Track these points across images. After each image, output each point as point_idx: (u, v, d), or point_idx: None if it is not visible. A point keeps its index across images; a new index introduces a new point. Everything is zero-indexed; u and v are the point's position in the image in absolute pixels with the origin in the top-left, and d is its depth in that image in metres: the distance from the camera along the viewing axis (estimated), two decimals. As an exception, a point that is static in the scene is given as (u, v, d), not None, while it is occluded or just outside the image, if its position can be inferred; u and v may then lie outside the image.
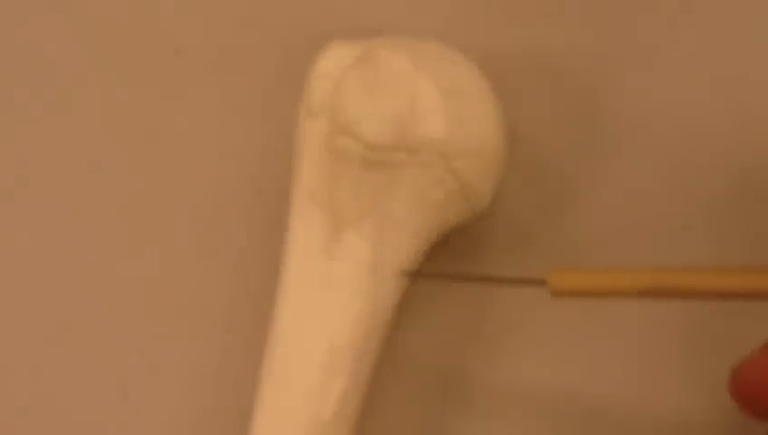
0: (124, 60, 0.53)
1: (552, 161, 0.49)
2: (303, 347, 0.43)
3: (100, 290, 0.50)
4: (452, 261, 0.47)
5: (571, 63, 0.50)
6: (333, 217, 0.44)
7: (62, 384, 0.48)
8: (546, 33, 0.50)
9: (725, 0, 0.49)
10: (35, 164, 0.52)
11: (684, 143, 0.48)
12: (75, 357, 0.49)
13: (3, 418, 0.48)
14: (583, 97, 0.49)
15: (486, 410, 0.46)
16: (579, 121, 0.49)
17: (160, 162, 0.52)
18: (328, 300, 0.43)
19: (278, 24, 0.53)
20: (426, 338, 0.47)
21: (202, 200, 0.51)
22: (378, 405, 0.45)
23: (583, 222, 0.47)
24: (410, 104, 0.43)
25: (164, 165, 0.51)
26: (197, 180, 0.51)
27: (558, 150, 0.49)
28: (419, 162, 0.43)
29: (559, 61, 0.50)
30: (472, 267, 0.47)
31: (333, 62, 0.44)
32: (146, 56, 0.53)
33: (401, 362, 0.46)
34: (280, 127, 0.50)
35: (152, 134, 0.52)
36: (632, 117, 0.49)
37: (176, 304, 0.49)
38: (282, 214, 0.47)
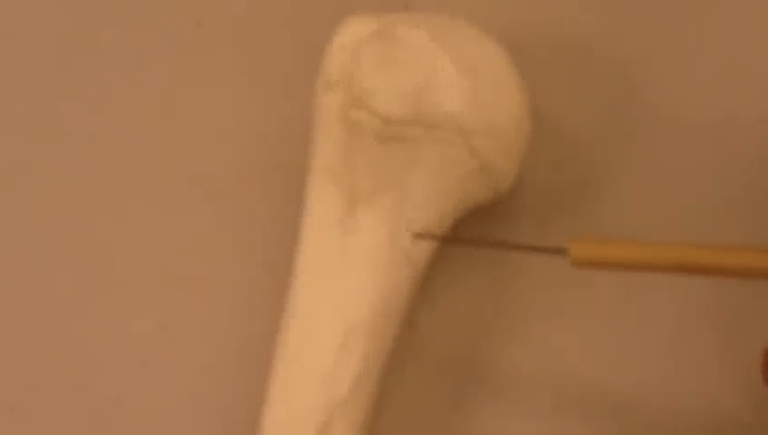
0: (145, 32, 0.53)
1: (577, 141, 0.48)
2: (319, 325, 0.42)
3: (119, 263, 0.50)
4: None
5: (598, 42, 0.49)
6: (349, 192, 0.43)
7: (82, 355, 0.48)
8: (572, 10, 0.50)
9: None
10: (58, 137, 0.52)
11: (713, 124, 0.48)
12: (95, 328, 0.49)
13: (23, 385, 0.48)
14: (610, 76, 0.49)
15: (504, 393, 0.45)
16: (605, 100, 0.49)
17: (179, 134, 0.51)
18: (343, 276, 0.42)
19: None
20: (444, 320, 0.46)
21: (220, 173, 0.50)
22: (392, 388, 0.45)
23: (608, 203, 0.47)
24: (427, 79, 0.42)
25: (183, 137, 0.51)
26: (216, 153, 0.51)
27: (583, 130, 0.48)
28: (437, 138, 0.42)
29: (585, 39, 0.49)
30: (493, 248, 0.47)
31: (351, 35, 0.44)
32: (167, 28, 0.53)
33: (417, 344, 0.46)
34: (299, 100, 0.50)
35: (171, 107, 0.52)
36: (660, 96, 0.48)
37: (193, 276, 0.49)
38: (301, 188, 0.46)
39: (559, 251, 0.40)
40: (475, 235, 0.46)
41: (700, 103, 0.48)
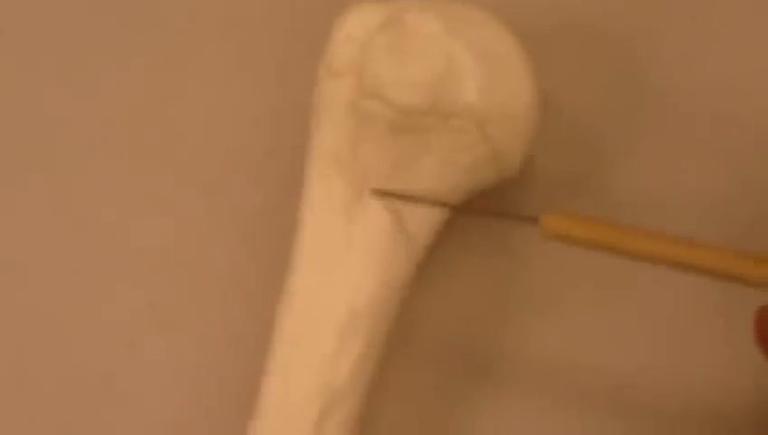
0: (137, 20, 0.53)
1: (584, 126, 0.48)
2: (320, 310, 0.42)
3: (108, 243, 0.49)
4: (477, 225, 0.47)
5: (606, 27, 0.49)
6: (356, 181, 0.43)
7: (70, 334, 0.48)
8: None
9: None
10: (47, 120, 0.52)
11: (723, 109, 0.48)
12: (82, 307, 0.49)
13: (10, 365, 0.48)
14: (618, 61, 0.49)
15: (503, 383, 0.45)
16: (613, 86, 0.49)
17: (169, 120, 0.51)
18: (347, 263, 0.42)
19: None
20: (442, 307, 0.47)
21: (211, 157, 0.50)
22: (389, 375, 0.45)
23: (614, 188, 0.47)
24: (443, 68, 0.42)
25: (173, 123, 0.51)
26: (207, 138, 0.51)
27: (590, 115, 0.48)
28: (451, 127, 0.42)
29: (593, 24, 0.49)
30: (497, 230, 0.47)
31: (358, 22, 0.44)
32: (157, 16, 0.53)
33: (415, 330, 0.46)
34: (290, 87, 0.50)
35: (161, 94, 0.52)
36: (669, 81, 0.48)
37: (182, 257, 0.49)
38: (292, 174, 0.46)
39: (530, 220, 0.40)
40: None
41: (709, 86, 0.48)
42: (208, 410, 0.46)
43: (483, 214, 0.46)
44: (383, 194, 0.43)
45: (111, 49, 0.53)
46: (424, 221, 0.44)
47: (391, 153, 0.43)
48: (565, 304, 0.46)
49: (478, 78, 0.42)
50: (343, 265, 0.43)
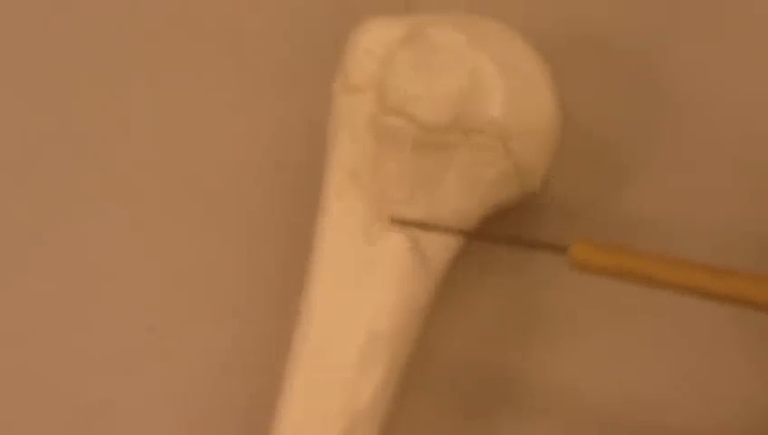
0: (140, 33, 0.53)
1: (603, 140, 0.48)
2: (341, 333, 0.42)
3: (108, 266, 0.49)
4: (495, 249, 0.46)
5: (624, 40, 0.49)
6: (377, 199, 0.42)
7: (70, 358, 0.47)
8: (597, 7, 0.50)
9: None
10: (50, 136, 0.51)
11: (743, 124, 0.48)
12: (82, 332, 0.48)
13: (9, 389, 0.47)
14: (636, 75, 0.49)
15: (522, 405, 0.45)
16: (632, 100, 0.49)
17: (172, 137, 0.51)
18: (368, 285, 0.42)
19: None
20: (460, 331, 0.46)
21: (214, 176, 0.50)
22: (409, 398, 0.44)
23: (635, 203, 0.47)
24: (468, 82, 0.42)
25: (176, 140, 0.51)
26: (210, 156, 0.50)
27: (610, 129, 0.48)
28: (475, 143, 0.42)
29: (611, 37, 0.49)
30: (516, 254, 0.46)
31: (377, 36, 0.43)
32: (162, 30, 0.53)
33: (433, 354, 0.45)
34: (295, 102, 0.50)
35: (165, 109, 0.51)
36: (687, 96, 0.48)
37: (183, 281, 0.48)
38: (300, 191, 0.46)
39: (558, 250, 0.39)
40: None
41: (727, 100, 0.48)
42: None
43: (509, 242, 0.45)
44: (402, 223, 0.42)
45: (116, 64, 0.52)
46: (442, 245, 0.43)
47: (413, 170, 0.42)
48: (585, 328, 0.45)
49: (502, 92, 0.42)
50: (363, 287, 0.42)
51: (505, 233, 0.45)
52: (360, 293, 0.42)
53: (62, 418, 0.46)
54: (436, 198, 0.42)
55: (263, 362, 0.45)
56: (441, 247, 0.43)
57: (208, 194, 0.50)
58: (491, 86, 0.42)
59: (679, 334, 0.45)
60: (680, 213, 0.46)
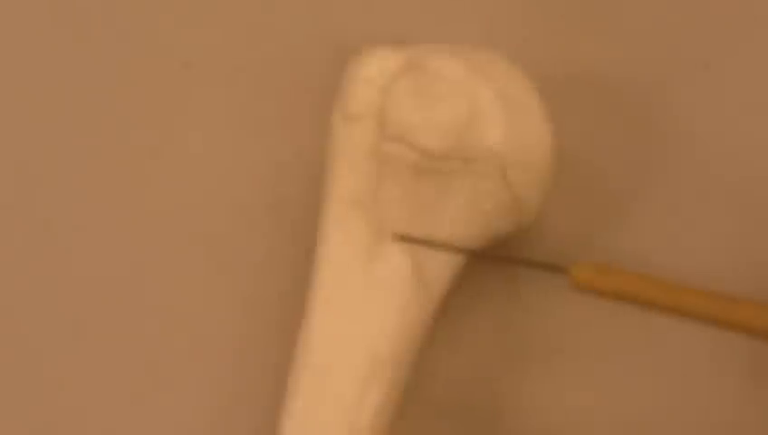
0: (136, 73, 0.53)
1: (598, 174, 0.48)
2: (342, 356, 0.42)
3: (111, 299, 0.49)
4: (493, 274, 0.47)
5: (619, 77, 0.50)
6: (376, 225, 0.43)
7: (73, 392, 0.47)
8: (592, 46, 0.51)
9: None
10: (52, 175, 0.51)
11: (738, 159, 0.48)
12: (86, 365, 0.48)
13: (13, 421, 0.47)
14: (631, 111, 0.50)
15: (517, 430, 0.45)
16: (626, 136, 0.49)
17: (170, 176, 0.51)
18: (368, 309, 0.42)
19: (287, 35, 0.53)
20: (456, 356, 0.46)
21: (214, 214, 0.50)
22: (405, 422, 0.44)
23: (627, 239, 0.47)
24: (468, 111, 0.42)
25: (175, 179, 0.51)
26: (211, 194, 0.50)
27: (605, 163, 0.49)
28: (474, 171, 0.43)
29: (606, 74, 0.50)
30: (513, 279, 0.46)
31: (376, 67, 0.44)
32: (157, 69, 0.53)
33: (429, 379, 0.46)
34: (291, 139, 0.50)
35: (162, 148, 0.52)
36: (681, 134, 0.49)
37: (185, 315, 0.48)
38: (296, 226, 0.47)
39: (560, 270, 0.40)
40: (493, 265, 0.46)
41: (724, 136, 0.49)
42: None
43: (508, 262, 0.46)
44: (406, 239, 0.43)
45: (111, 102, 0.53)
46: (442, 269, 0.43)
47: (412, 197, 0.43)
48: (580, 354, 0.46)
49: (501, 122, 0.43)
50: (364, 309, 0.42)
51: (508, 254, 0.46)
52: (361, 317, 0.42)
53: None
54: (434, 225, 0.43)
55: (262, 391, 0.45)
56: (441, 273, 0.43)
57: (206, 232, 0.50)
58: (490, 115, 0.42)
59: (676, 361, 0.45)
60: (674, 243, 0.47)
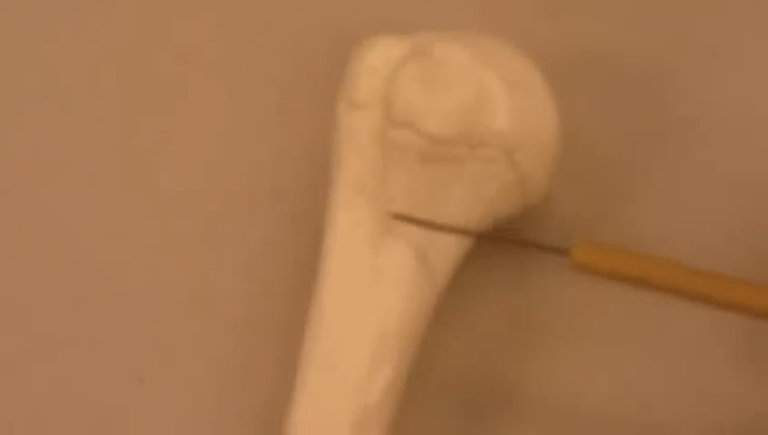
0: (134, 59, 0.53)
1: (603, 159, 0.49)
2: (351, 337, 0.42)
3: (117, 279, 0.49)
4: (497, 257, 0.47)
5: (626, 60, 0.50)
6: (383, 211, 0.43)
7: (80, 371, 0.48)
8: (598, 31, 0.51)
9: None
10: (53, 160, 0.52)
11: (744, 141, 0.48)
12: (93, 344, 0.48)
13: (21, 402, 0.47)
14: (638, 94, 0.50)
15: (523, 412, 0.45)
16: (633, 119, 0.49)
17: (172, 161, 0.51)
18: (375, 293, 0.43)
19: (289, 22, 0.53)
20: (462, 339, 0.47)
21: (215, 202, 0.50)
22: (410, 405, 0.44)
23: (634, 222, 0.48)
24: (474, 96, 0.43)
25: (176, 164, 0.51)
26: (213, 178, 0.51)
27: (612, 145, 0.49)
28: (481, 156, 0.43)
29: (612, 57, 0.50)
30: (517, 261, 0.47)
31: (380, 55, 0.44)
32: (155, 62, 0.53)
33: (434, 361, 0.46)
34: (290, 125, 0.51)
35: (163, 135, 0.52)
36: (688, 114, 0.49)
37: (191, 292, 0.49)
38: (292, 210, 0.47)
39: (560, 251, 0.40)
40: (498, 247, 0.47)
41: (730, 119, 0.49)
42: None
43: (510, 242, 0.46)
44: (405, 219, 0.43)
45: (110, 91, 0.53)
46: (447, 253, 0.44)
47: (419, 183, 0.43)
48: (584, 336, 0.46)
49: (507, 107, 0.43)
50: (371, 295, 0.43)
51: (509, 234, 0.46)
52: (368, 300, 0.43)
53: (73, 429, 0.46)
54: (441, 210, 0.43)
55: (269, 371, 0.46)
56: (446, 256, 0.44)
57: (209, 211, 0.50)
58: (496, 100, 0.43)
59: (678, 342, 0.46)
60: (680, 228, 0.47)
